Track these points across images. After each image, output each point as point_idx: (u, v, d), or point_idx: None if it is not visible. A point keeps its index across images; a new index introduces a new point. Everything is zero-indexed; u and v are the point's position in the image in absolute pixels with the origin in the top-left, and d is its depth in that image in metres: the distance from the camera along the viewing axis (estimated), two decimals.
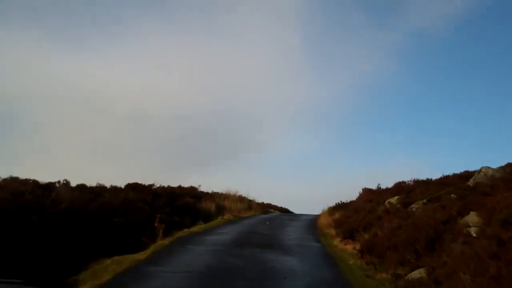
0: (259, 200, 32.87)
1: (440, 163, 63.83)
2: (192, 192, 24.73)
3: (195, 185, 25.97)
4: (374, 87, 70.63)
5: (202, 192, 26.80)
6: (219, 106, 65.42)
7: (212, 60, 64.32)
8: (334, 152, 74.97)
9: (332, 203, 25.70)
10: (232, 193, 29.07)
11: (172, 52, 61.90)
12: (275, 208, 39.41)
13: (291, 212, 44.64)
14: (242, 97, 70.62)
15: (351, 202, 22.07)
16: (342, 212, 20.69)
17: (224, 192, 29.10)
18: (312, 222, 22.00)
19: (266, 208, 34.54)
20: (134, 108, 55.89)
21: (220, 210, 22.76)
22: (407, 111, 73.37)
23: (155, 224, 12.92)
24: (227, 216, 20.99)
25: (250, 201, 29.52)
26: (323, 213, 24.51)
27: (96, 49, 57.71)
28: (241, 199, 28.75)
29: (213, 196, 27.42)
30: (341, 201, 24.12)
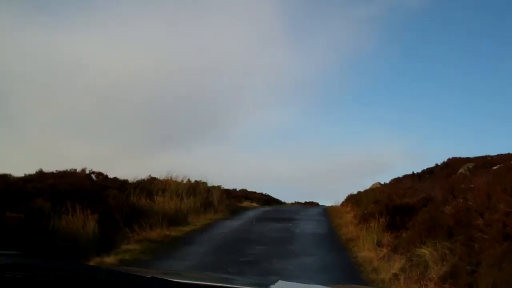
0: (234, 186, 26.06)
1: (422, 139, 58.97)
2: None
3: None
4: (355, 60, 64.33)
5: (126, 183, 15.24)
6: (193, 83, 58.09)
7: (185, 34, 56.55)
8: (317, 127, 67.86)
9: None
10: (179, 179, 17.41)
11: (143, 28, 54.06)
12: (254, 197, 27.95)
13: (278, 202, 33.13)
14: (217, 73, 62.92)
15: None
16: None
17: (169, 178, 17.51)
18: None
19: (239, 200, 22.97)
20: (104, 86, 49.12)
21: (137, 218, 10.85)
22: (390, 85, 65.65)
23: None
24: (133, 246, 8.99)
25: (210, 191, 17.81)
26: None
27: (66, 21, 49.64)
28: (193, 188, 17.01)
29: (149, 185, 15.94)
30: None
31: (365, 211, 12.91)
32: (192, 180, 20.13)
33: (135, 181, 15.95)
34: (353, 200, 19.31)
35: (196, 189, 17.24)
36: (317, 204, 52.60)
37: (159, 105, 54.58)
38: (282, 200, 45.10)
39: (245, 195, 26.88)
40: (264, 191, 34.24)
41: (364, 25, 62.32)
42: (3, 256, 1.30)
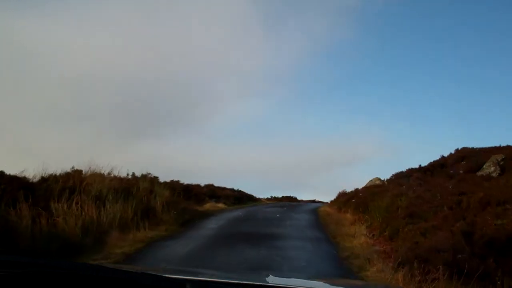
0: (206, 180, 23.86)
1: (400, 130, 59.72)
2: None
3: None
4: (331, 50, 63.51)
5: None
6: (166, 73, 57.09)
7: (158, 23, 54.42)
8: (293, 118, 68.51)
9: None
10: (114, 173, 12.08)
11: (117, 17, 52.10)
12: (223, 195, 22.63)
13: (251, 199, 28.17)
14: (190, 63, 62.81)
15: None
16: None
17: (99, 172, 12.15)
18: None
19: (200, 201, 17.63)
20: (76, 75, 46.04)
21: None
22: (366, 75, 64.07)
23: None
24: None
25: (153, 191, 12.36)
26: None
27: (36, 7, 46.34)
28: (127, 188, 11.57)
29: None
30: None
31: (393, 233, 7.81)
32: (138, 175, 14.73)
33: (39, 178, 10.43)
34: (355, 204, 14.26)
35: (132, 189, 11.78)
36: (296, 199, 47.95)
37: (132, 95, 52.93)
38: (257, 196, 40.08)
39: (211, 192, 21.54)
40: (238, 185, 29.16)
41: (340, 15, 60.30)
42: None
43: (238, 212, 15.17)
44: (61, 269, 1.23)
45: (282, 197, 50.09)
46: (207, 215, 13.53)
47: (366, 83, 63.65)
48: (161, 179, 15.58)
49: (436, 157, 20.92)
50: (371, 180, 19.64)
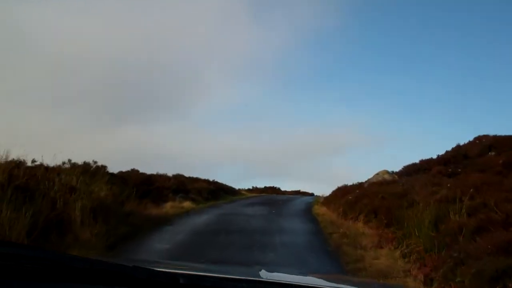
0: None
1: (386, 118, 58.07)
2: None
3: None
4: (317, 36, 61.39)
5: None
6: (150, 58, 53.69)
7: (144, 8, 52.69)
8: (278, 105, 65.24)
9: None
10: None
11: (102, 1, 49.68)
12: (194, 188, 18.44)
13: (230, 192, 24.47)
14: (176, 49, 59.54)
15: None
16: None
17: None
18: None
19: (161, 198, 13.45)
20: (60, 59, 43.97)
21: None
22: (352, 61, 61.47)
23: None
24: None
25: (76, 189, 8.13)
26: None
27: None
28: (35, 183, 7.29)
29: None
30: None
31: None
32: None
33: None
34: (368, 208, 10.29)
35: (40, 186, 7.53)
36: (280, 190, 44.13)
37: (115, 79, 51.35)
38: (237, 187, 36.22)
39: (179, 185, 17.32)
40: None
41: (328, 2, 59.18)
42: None
43: (205, 218, 11.06)
44: (54, 261, 1.21)
45: (265, 187, 46.29)
46: (160, 224, 9.37)
47: (353, 71, 61.33)
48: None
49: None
50: (377, 174, 15.80)
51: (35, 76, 43.32)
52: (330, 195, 18.90)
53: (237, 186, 35.46)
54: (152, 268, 1.33)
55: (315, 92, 64.55)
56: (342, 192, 16.35)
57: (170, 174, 20.04)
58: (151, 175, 17.81)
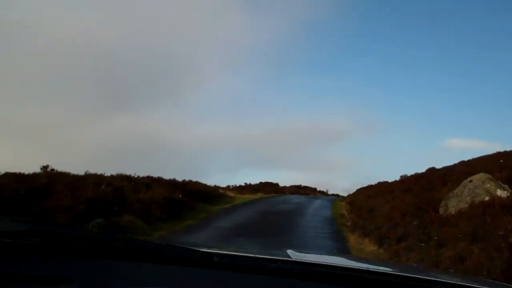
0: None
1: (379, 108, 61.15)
2: None
3: None
4: (313, 26, 67.20)
5: None
6: (146, 47, 56.27)
7: None
8: (273, 94, 70.33)
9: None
10: None
11: None
12: (131, 200, 10.90)
13: (210, 200, 16.92)
14: (172, 37, 62.11)
15: None
16: None
17: None
18: None
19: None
20: (53, 46, 44.78)
21: None
22: (348, 51, 67.27)
23: None
24: None
25: None
26: None
27: None
28: None
29: None
30: None
31: None
32: None
33: None
34: None
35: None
36: (278, 187, 36.64)
37: (111, 67, 51.31)
38: (225, 184, 28.94)
39: (114, 197, 9.79)
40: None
41: None
42: (18, 222, 1.27)
43: None
44: (90, 239, 1.25)
45: (260, 183, 38.94)
46: None
47: (347, 60, 63.77)
48: None
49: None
50: (471, 181, 8.28)
51: (25, 66, 41.62)
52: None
53: (227, 181, 29.32)
54: (187, 247, 1.33)
55: (311, 80, 67.04)
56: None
57: (112, 173, 12.58)
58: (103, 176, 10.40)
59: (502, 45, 56.35)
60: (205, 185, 18.49)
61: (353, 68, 65.14)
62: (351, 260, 1.87)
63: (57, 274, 1.11)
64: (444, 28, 57.49)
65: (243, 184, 32.15)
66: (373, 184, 20.36)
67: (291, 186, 42.94)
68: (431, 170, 17.37)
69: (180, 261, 1.20)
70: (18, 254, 1.15)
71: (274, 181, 39.07)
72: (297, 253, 1.69)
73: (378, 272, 1.40)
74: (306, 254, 1.88)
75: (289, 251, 1.71)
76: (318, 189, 48.61)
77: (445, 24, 58.28)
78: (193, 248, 1.31)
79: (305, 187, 46.28)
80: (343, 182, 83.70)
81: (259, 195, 25.05)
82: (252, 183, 36.59)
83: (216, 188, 20.75)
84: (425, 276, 1.43)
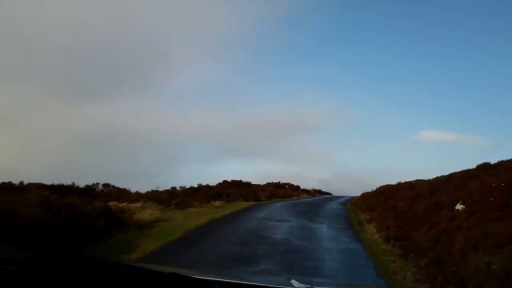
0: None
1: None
2: None
3: None
4: (291, 14, 60.89)
5: None
6: (120, 33, 48.61)
7: None
8: (250, 83, 59.13)
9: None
10: None
11: None
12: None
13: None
14: (147, 24, 54.94)
15: None
16: None
17: None
18: None
19: None
20: (23, 31, 35.55)
21: None
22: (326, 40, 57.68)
23: None
24: None
25: None
26: None
27: None
28: None
29: None
30: None
31: None
32: None
33: None
34: None
35: None
36: (249, 186, 26.43)
37: (83, 53, 47.73)
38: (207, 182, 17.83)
39: None
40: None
41: None
42: (22, 250, 1.27)
43: None
44: (91, 267, 1.23)
45: (224, 183, 28.33)
46: None
47: (325, 50, 61.01)
48: None
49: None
50: None
51: None
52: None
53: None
54: (189, 275, 1.33)
55: (287, 71, 62.07)
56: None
57: None
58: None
59: (478, 36, 56.95)
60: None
61: (330, 59, 65.94)
62: None
63: None
64: (422, 18, 58.36)
65: (196, 186, 21.49)
66: None
67: (267, 184, 32.70)
68: None
69: None
70: (22, 281, 1.16)
71: (246, 179, 28.61)
72: (300, 283, 1.66)
73: None
74: (308, 284, 1.84)
75: (292, 281, 1.72)
76: (301, 187, 38.89)
77: (424, 14, 59.44)
78: (195, 276, 1.34)
79: (285, 185, 36.21)
80: (318, 173, 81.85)
81: (205, 218, 14.34)
82: (226, 180, 25.94)
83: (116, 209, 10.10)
84: None
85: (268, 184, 31.38)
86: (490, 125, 69.48)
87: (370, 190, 30.03)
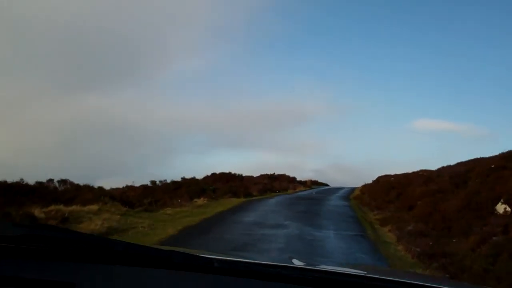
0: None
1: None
2: None
3: None
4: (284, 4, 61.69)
5: None
6: (113, 24, 48.61)
7: None
8: (244, 74, 68.53)
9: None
10: None
11: None
12: None
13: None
14: (140, 14, 55.51)
15: None
16: None
17: None
18: None
19: None
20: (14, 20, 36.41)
21: None
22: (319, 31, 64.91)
23: None
24: None
25: None
26: None
27: None
28: None
29: None
30: None
31: None
32: None
33: None
34: None
35: None
36: (242, 179, 23.85)
37: (77, 43, 47.14)
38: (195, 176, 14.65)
39: None
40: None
41: None
42: (18, 227, 1.25)
43: None
44: (91, 244, 1.23)
45: (213, 176, 25.52)
46: None
47: (318, 41, 62.43)
48: None
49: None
50: None
51: None
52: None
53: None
54: (188, 252, 1.33)
55: (281, 61, 64.27)
56: None
57: None
58: None
59: (471, 24, 55.65)
60: None
61: (323, 49, 64.77)
62: (356, 268, 1.71)
63: (57, 279, 1.11)
64: (414, 6, 56.00)
65: (179, 180, 18.72)
66: None
67: (260, 176, 29.97)
68: None
69: (181, 267, 1.20)
70: (18, 258, 1.16)
71: (241, 170, 25.77)
72: (301, 262, 1.68)
73: (377, 278, 1.37)
74: (310, 262, 1.82)
75: (294, 260, 1.73)
76: (297, 179, 36.25)
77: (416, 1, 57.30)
78: (195, 254, 1.32)
79: (280, 177, 33.51)
80: (313, 164, 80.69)
81: (176, 226, 11.63)
82: (215, 172, 23.11)
83: None
84: (429, 283, 1.45)
85: (262, 176, 28.68)
86: (484, 114, 68.38)
87: (371, 182, 28.53)
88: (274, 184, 25.83)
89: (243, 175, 24.94)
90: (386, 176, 26.54)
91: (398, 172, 25.78)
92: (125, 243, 1.25)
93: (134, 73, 59.30)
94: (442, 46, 63.06)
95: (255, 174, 29.54)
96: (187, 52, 66.32)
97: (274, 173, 31.95)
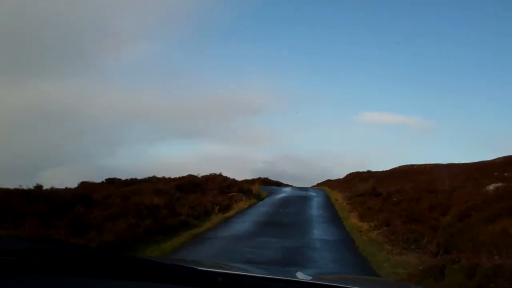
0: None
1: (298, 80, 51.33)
2: None
3: None
4: None
5: None
6: (58, 8, 44.29)
7: None
8: (191, 62, 58.15)
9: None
10: None
11: None
12: None
13: None
14: None
15: None
16: None
17: None
18: None
19: None
20: None
21: None
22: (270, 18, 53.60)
23: None
24: None
25: None
26: None
27: None
28: None
29: None
30: None
31: None
32: None
33: None
34: None
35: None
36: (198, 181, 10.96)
37: (19, 28, 42.51)
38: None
39: None
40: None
41: None
42: (24, 241, 1.25)
43: None
44: (96, 259, 1.23)
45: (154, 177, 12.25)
46: None
47: (270, 29, 60.12)
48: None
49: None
50: None
51: None
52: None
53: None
54: (192, 266, 1.33)
55: (232, 51, 62.40)
56: None
57: None
58: None
59: (423, 13, 53.70)
60: None
61: (274, 40, 62.21)
62: (363, 281, 1.73)
63: None
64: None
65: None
66: None
67: (157, 187, 16.24)
68: None
69: (185, 281, 1.20)
70: (23, 272, 1.14)
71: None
72: (305, 275, 1.67)
73: None
74: (314, 275, 1.82)
75: (298, 273, 1.72)
76: (238, 180, 22.94)
77: None
78: (198, 268, 1.33)
79: (208, 181, 19.93)
80: (263, 155, 78.14)
81: None
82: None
83: None
84: None
85: (166, 181, 15.51)
86: (430, 107, 69.43)
87: (343, 178, 27.37)
88: (185, 200, 12.72)
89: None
90: (368, 172, 25.69)
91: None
92: (130, 257, 1.30)
93: (81, 60, 57.33)
94: (390, 41, 60.79)
95: (196, 167, 20.07)
96: (137, 38, 64.71)
97: (199, 175, 18.59)
